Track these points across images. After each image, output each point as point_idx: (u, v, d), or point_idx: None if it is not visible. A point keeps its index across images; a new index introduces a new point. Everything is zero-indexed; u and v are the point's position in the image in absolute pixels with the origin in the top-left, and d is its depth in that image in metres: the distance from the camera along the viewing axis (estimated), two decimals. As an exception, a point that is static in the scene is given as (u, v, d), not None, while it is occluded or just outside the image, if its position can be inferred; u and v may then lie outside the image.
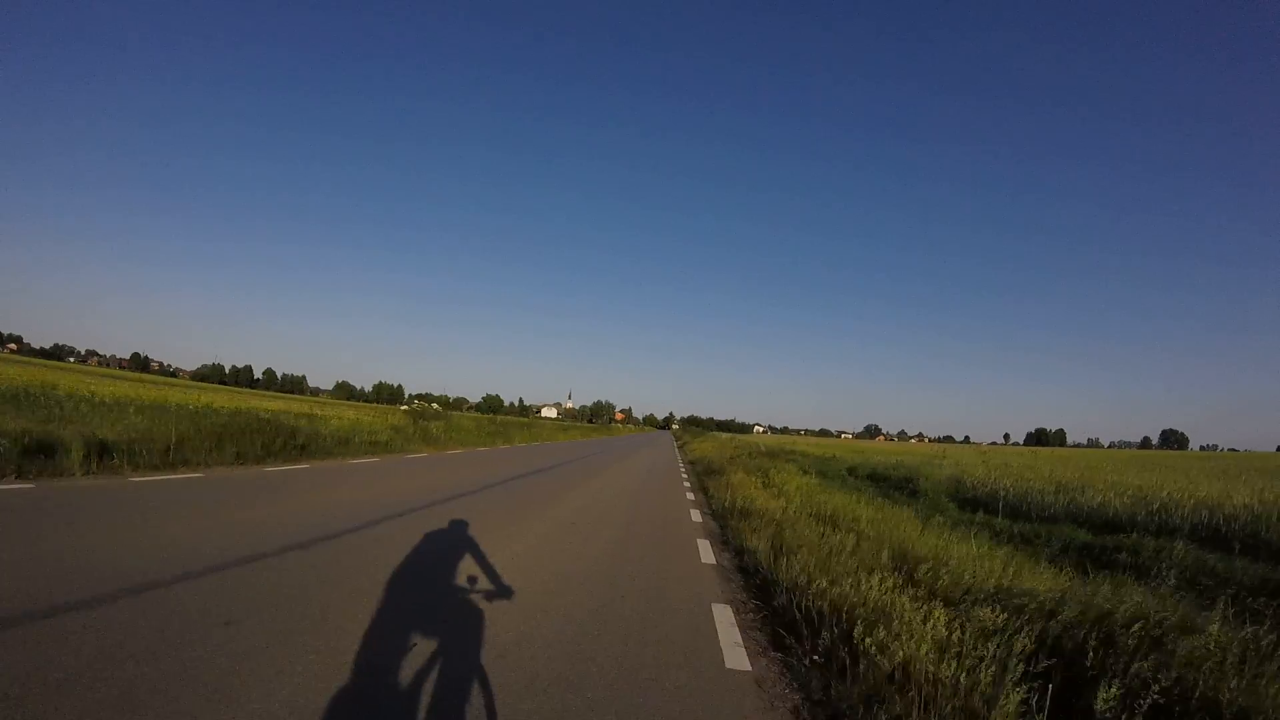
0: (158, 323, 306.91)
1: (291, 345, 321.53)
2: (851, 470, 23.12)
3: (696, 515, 9.57)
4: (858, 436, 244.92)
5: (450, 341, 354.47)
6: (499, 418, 42.58)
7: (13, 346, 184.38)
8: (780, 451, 37.55)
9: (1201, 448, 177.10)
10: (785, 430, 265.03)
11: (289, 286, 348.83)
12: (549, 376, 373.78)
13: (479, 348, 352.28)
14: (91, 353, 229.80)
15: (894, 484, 18.89)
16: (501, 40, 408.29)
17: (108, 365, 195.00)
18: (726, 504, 9.85)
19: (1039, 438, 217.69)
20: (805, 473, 16.88)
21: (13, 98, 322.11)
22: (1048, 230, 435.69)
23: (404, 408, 23.63)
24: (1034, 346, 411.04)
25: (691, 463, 24.19)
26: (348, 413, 23.13)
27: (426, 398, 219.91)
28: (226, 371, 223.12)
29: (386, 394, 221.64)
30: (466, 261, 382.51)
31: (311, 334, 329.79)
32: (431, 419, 20.53)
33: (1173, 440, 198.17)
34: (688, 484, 15.24)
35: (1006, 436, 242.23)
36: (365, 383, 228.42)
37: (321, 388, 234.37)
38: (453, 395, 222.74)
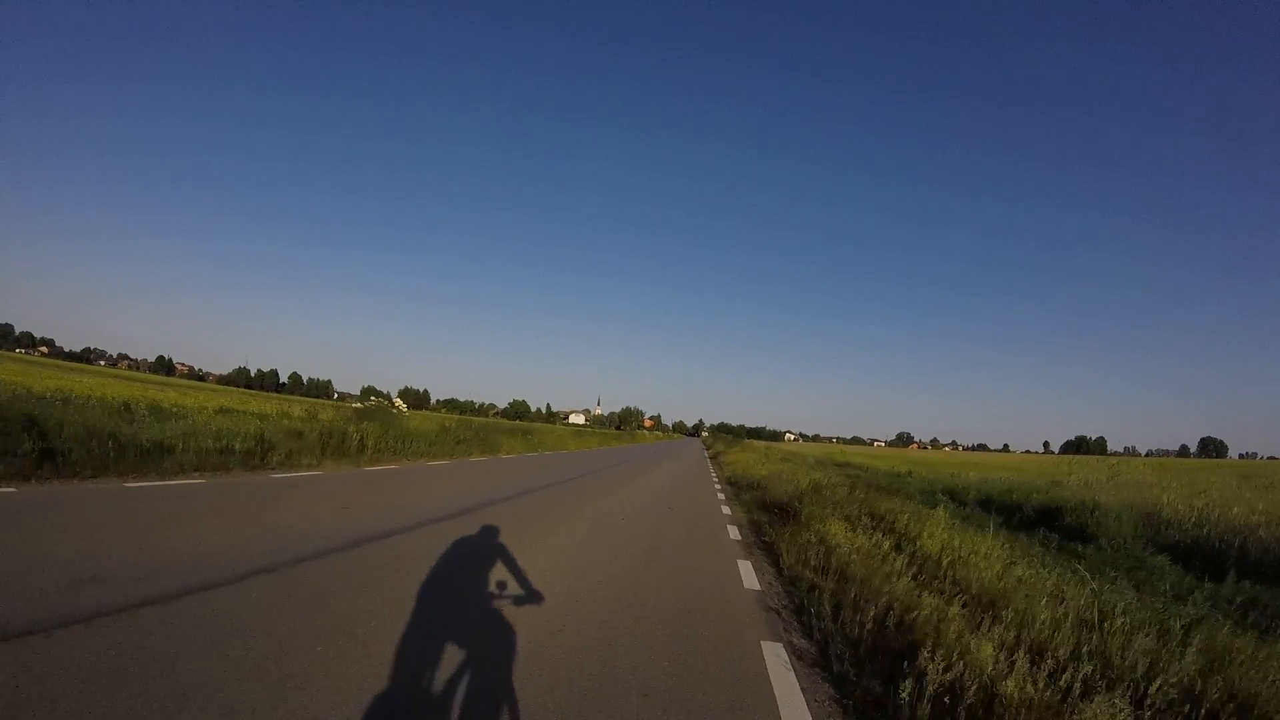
0: (180, 325, 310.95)
1: (320, 350, 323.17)
2: (952, 494, 17.19)
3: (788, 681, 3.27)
4: (890, 444, 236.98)
5: (481, 348, 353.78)
6: (482, 421, 37.26)
7: (44, 350, 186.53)
8: (838, 465, 31.76)
9: (1240, 456, 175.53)
10: (816, 438, 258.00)
11: (321, 290, 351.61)
12: (579, 383, 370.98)
13: (510, 354, 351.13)
14: (123, 356, 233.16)
15: (1032, 518, 13.04)
16: (536, 41, 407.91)
17: (137, 369, 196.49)
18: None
19: (1078, 446, 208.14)
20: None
21: (17, 96, 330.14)
22: (1080, 238, 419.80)
23: (357, 404, 18.37)
24: (1065, 353, 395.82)
25: (731, 482, 18.38)
26: (215, 401, 18.17)
27: (453, 404, 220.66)
28: (252, 375, 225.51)
29: (412, 399, 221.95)
30: (500, 268, 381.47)
31: (342, 339, 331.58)
32: (371, 418, 15.27)
33: (1211, 449, 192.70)
34: (735, 534, 8.87)
35: (1046, 445, 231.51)
36: (392, 388, 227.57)
37: (348, 392, 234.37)
38: (479, 401, 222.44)
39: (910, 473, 23.72)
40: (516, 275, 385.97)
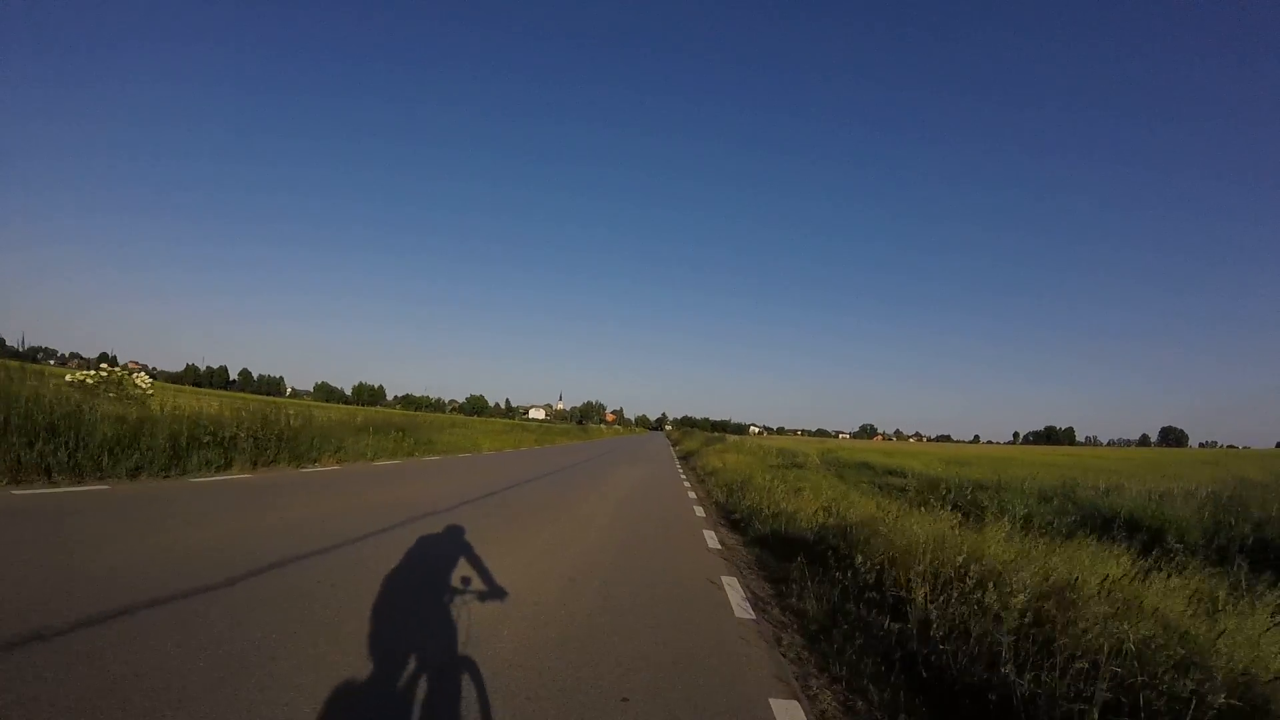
0: (127, 321, 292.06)
1: (273, 347, 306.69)
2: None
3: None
4: (854, 436, 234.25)
5: (440, 343, 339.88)
6: (301, 409, 28.64)
7: None
8: (860, 467, 24.14)
9: (1200, 445, 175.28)
10: (781, 430, 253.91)
11: (271, 287, 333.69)
12: (543, 379, 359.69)
13: (469, 350, 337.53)
14: (75, 355, 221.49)
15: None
16: (488, 37, 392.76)
17: (88, 368, 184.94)
18: None
19: (1048, 436, 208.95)
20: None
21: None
22: (1040, 226, 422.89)
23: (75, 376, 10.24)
24: (1028, 344, 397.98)
25: (729, 517, 10.38)
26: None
27: (409, 399, 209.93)
28: (201, 372, 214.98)
29: (366, 395, 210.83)
30: (455, 262, 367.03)
31: (294, 335, 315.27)
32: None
33: (1172, 438, 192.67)
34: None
35: (1016, 435, 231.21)
36: (346, 384, 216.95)
37: (301, 389, 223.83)
38: (434, 396, 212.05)
39: (942, 478, 16.02)
40: (479, 272, 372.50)
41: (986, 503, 13.74)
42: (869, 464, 27.20)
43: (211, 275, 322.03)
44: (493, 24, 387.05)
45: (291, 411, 13.09)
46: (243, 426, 10.45)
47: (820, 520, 7.96)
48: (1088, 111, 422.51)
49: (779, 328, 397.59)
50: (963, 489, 16.17)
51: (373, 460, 13.33)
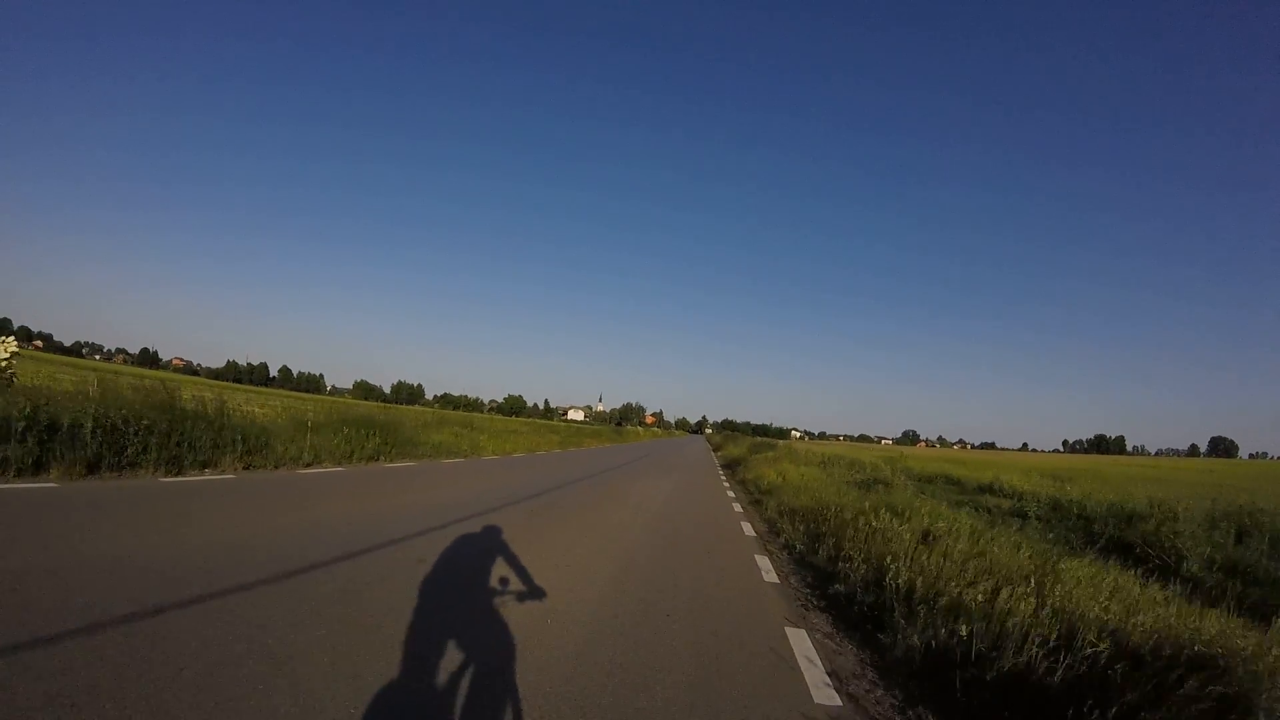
0: (170, 318, 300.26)
1: (315, 345, 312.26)
2: None
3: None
4: (897, 442, 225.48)
5: (488, 345, 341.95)
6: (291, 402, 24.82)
7: (39, 344, 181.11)
8: (952, 485, 19.69)
9: (1250, 456, 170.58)
10: (823, 436, 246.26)
11: (318, 285, 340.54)
12: (584, 381, 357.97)
13: (517, 353, 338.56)
14: (121, 350, 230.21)
15: None
16: (532, 40, 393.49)
17: (133, 363, 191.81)
18: None
19: (1099, 445, 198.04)
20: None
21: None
22: (1087, 237, 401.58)
23: None
24: (1072, 351, 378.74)
25: (825, 589, 5.73)
26: None
27: (447, 399, 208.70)
28: (241, 368, 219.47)
29: (405, 393, 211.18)
30: (505, 264, 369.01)
31: (338, 334, 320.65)
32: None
33: (1221, 448, 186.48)
34: None
35: (1066, 443, 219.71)
36: (386, 382, 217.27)
37: (340, 386, 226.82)
38: (473, 395, 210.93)
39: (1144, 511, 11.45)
40: (528, 273, 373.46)
41: (1170, 541, 9.49)
42: (951, 478, 22.63)
43: (256, 272, 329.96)
44: (546, 28, 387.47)
45: (208, 396, 9.55)
46: (89, 414, 6.89)
47: (1048, 625, 3.81)
48: (1140, 122, 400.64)
49: (822, 334, 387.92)
50: (1110, 517, 11.88)
51: (306, 467, 9.69)
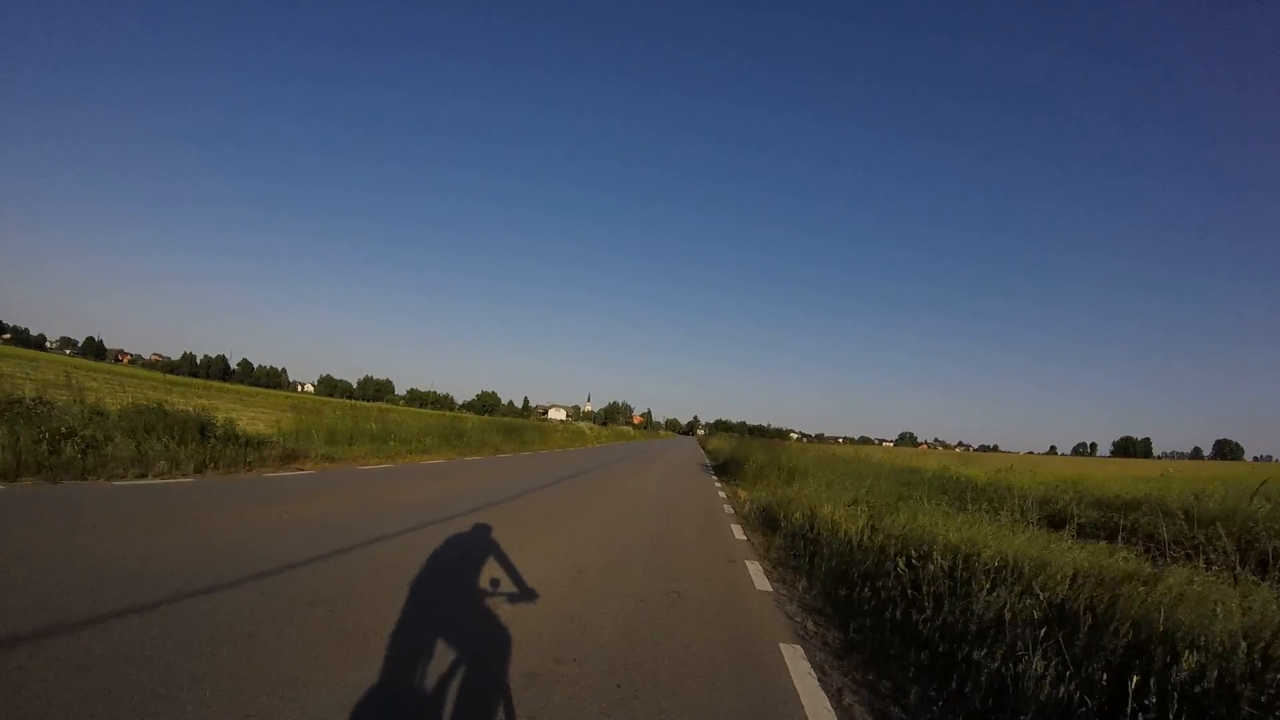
0: (117, 307, 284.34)
1: (277, 338, 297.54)
2: None
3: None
4: (896, 444, 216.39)
5: (473, 344, 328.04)
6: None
7: (7, 336, 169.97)
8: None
9: (1255, 459, 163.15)
10: (820, 438, 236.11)
11: (282, 277, 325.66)
12: (572, 379, 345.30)
13: (503, 351, 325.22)
14: (69, 341, 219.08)
15: None
16: (510, 33, 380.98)
17: (82, 355, 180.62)
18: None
19: (1125, 448, 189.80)
20: None
21: None
22: (1085, 236, 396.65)
23: None
24: (1073, 353, 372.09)
25: None
26: None
27: (414, 394, 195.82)
28: (198, 361, 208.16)
29: (373, 389, 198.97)
30: (482, 260, 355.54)
31: (301, 328, 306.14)
32: None
33: (1226, 451, 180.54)
34: None
35: (1093, 447, 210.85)
36: (353, 377, 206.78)
37: (304, 381, 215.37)
38: (443, 392, 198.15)
39: None
40: (508, 270, 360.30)
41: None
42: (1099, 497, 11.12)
43: (216, 264, 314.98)
44: (534, 20, 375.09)
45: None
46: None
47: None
48: (1134, 124, 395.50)
49: (819, 334, 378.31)
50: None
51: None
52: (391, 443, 14.22)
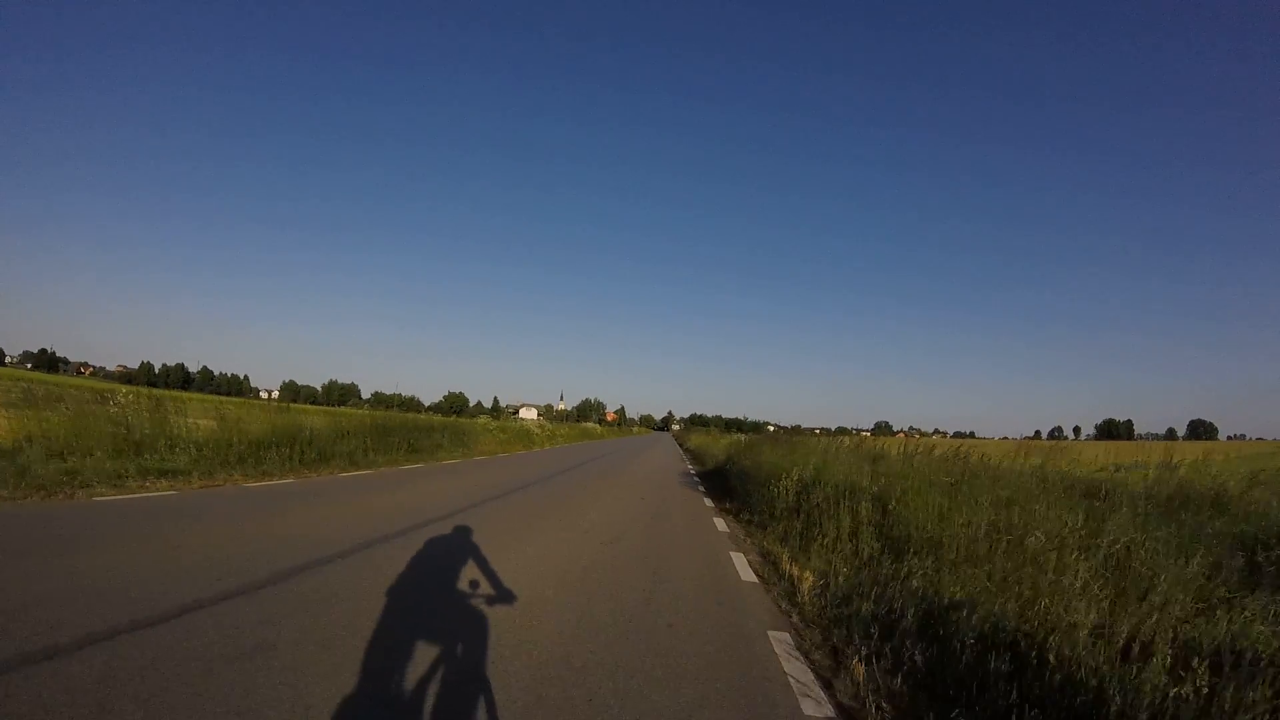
0: (65, 315, 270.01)
1: (238, 345, 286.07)
2: None
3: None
4: (872, 433, 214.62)
5: (439, 343, 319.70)
6: None
7: None
8: None
9: (1229, 438, 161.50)
10: (797, 429, 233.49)
11: (241, 280, 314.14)
12: (542, 378, 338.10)
13: (468, 350, 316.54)
14: (32, 355, 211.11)
15: None
16: (481, 35, 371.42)
17: (31, 368, 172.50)
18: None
19: (1108, 430, 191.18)
20: None
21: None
22: (1052, 222, 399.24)
23: None
24: (1047, 337, 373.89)
25: None
26: None
27: (379, 398, 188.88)
28: (156, 371, 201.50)
29: (338, 394, 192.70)
30: (454, 262, 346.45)
31: (263, 333, 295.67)
32: None
33: (1201, 431, 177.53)
34: None
35: (1077, 430, 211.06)
36: (317, 381, 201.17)
37: (267, 388, 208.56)
38: (408, 394, 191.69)
39: None
40: (479, 272, 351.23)
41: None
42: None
43: (181, 273, 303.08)
44: (486, 20, 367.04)
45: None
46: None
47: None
48: (1099, 106, 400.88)
49: (791, 325, 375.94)
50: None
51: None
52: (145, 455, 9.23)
